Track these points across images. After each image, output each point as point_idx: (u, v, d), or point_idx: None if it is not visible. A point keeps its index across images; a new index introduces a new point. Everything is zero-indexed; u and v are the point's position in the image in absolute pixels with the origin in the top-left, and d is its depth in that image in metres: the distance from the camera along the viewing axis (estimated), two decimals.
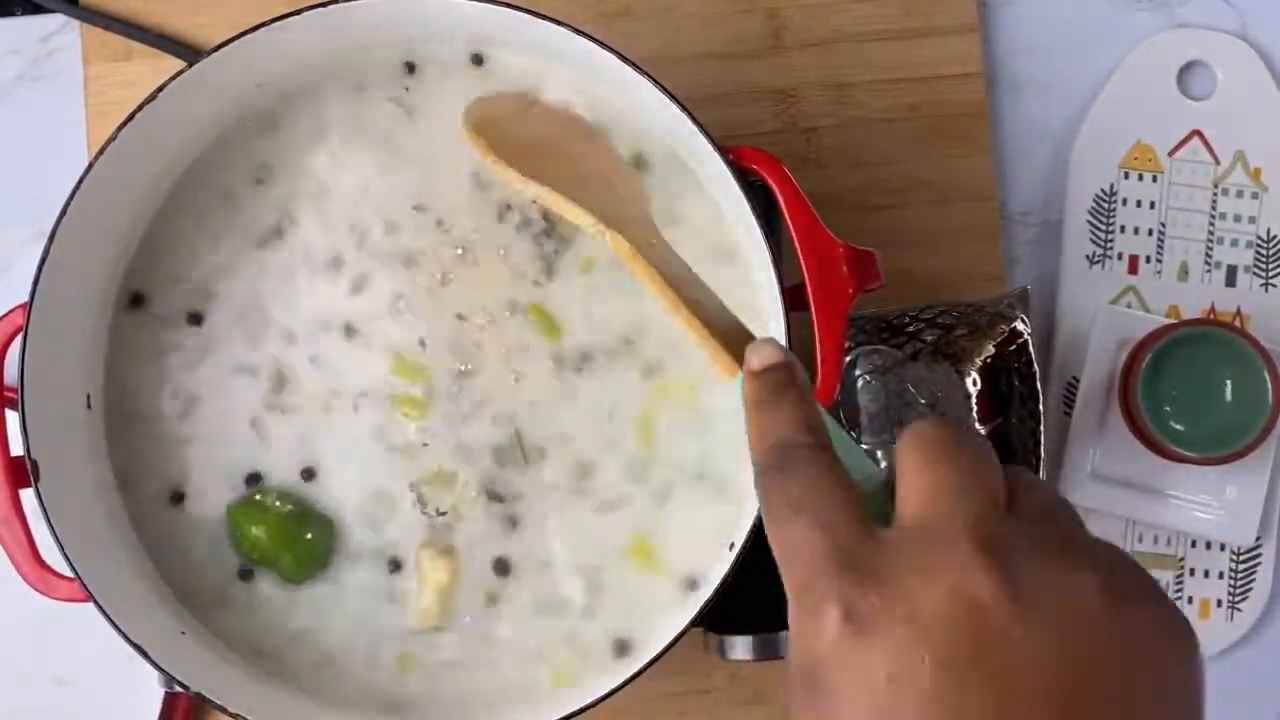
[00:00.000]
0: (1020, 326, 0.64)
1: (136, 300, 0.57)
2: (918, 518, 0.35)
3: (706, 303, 0.46)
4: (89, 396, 0.56)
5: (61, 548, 0.51)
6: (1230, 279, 0.69)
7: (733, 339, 0.44)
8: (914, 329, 0.65)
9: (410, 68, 0.58)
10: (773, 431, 0.39)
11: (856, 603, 0.33)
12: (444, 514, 0.56)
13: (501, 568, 0.56)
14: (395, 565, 0.56)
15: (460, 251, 0.57)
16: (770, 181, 0.54)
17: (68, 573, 0.52)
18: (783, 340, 0.53)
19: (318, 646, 0.56)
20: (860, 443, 0.64)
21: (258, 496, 0.56)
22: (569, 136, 0.57)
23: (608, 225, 0.50)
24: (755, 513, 0.52)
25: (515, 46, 0.57)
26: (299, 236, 0.58)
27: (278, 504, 0.56)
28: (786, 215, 0.53)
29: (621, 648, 0.56)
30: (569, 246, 0.57)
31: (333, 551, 0.56)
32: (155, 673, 0.52)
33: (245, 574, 0.56)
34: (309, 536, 0.56)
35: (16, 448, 0.53)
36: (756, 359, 0.41)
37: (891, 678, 0.32)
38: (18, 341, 0.53)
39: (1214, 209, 0.69)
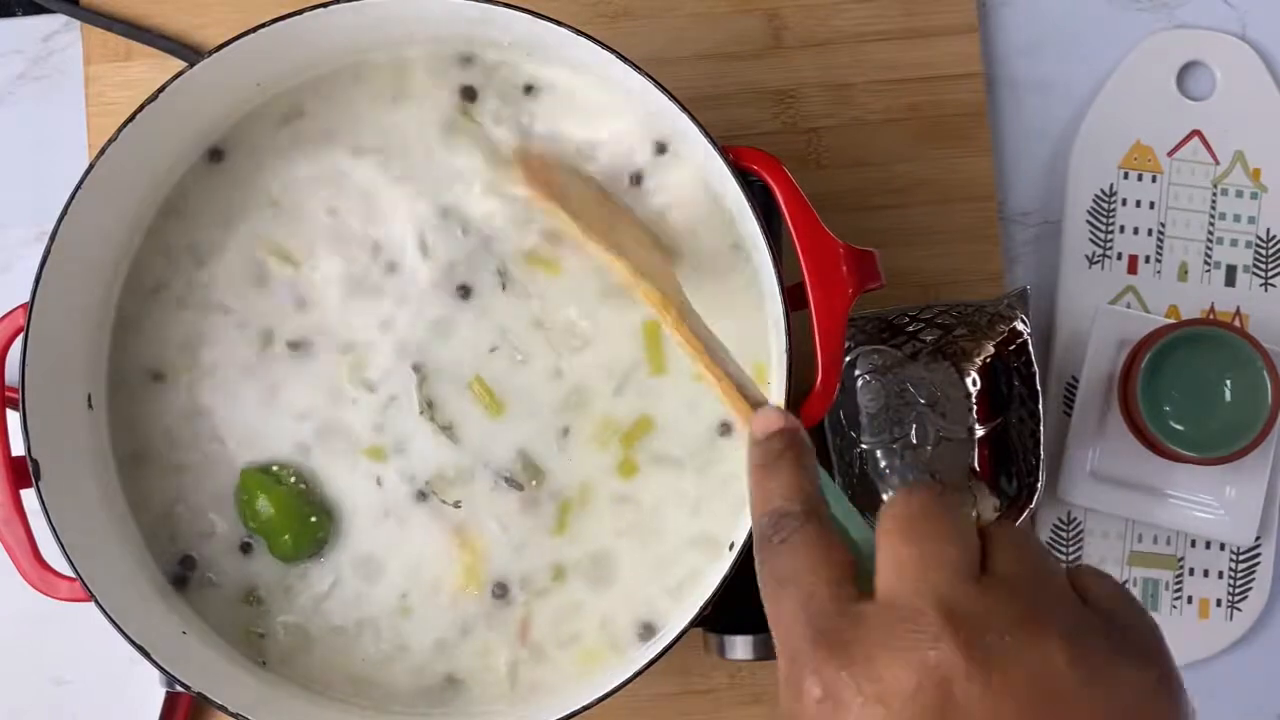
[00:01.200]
0: (1020, 326, 0.64)
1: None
2: (887, 592, 0.35)
3: (729, 364, 0.47)
4: (90, 396, 0.56)
5: (63, 547, 0.51)
6: (1230, 279, 0.69)
7: (749, 398, 0.46)
8: (914, 329, 0.65)
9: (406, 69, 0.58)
10: (769, 499, 0.39)
11: (830, 680, 0.34)
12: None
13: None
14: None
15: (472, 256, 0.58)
16: (770, 181, 0.54)
17: (69, 572, 0.52)
18: (783, 339, 0.53)
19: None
20: (860, 442, 0.64)
21: (274, 468, 0.57)
22: (604, 202, 0.56)
23: (664, 305, 0.50)
24: None
25: (513, 47, 0.57)
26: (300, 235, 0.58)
27: (292, 479, 0.56)
28: (786, 215, 0.53)
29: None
30: None
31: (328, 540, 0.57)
32: (155, 672, 0.52)
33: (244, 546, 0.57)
34: (313, 519, 0.56)
35: (18, 447, 0.53)
36: (759, 426, 0.42)
37: None
38: (19, 341, 0.53)
39: (1213, 209, 0.69)
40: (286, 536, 0.56)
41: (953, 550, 0.36)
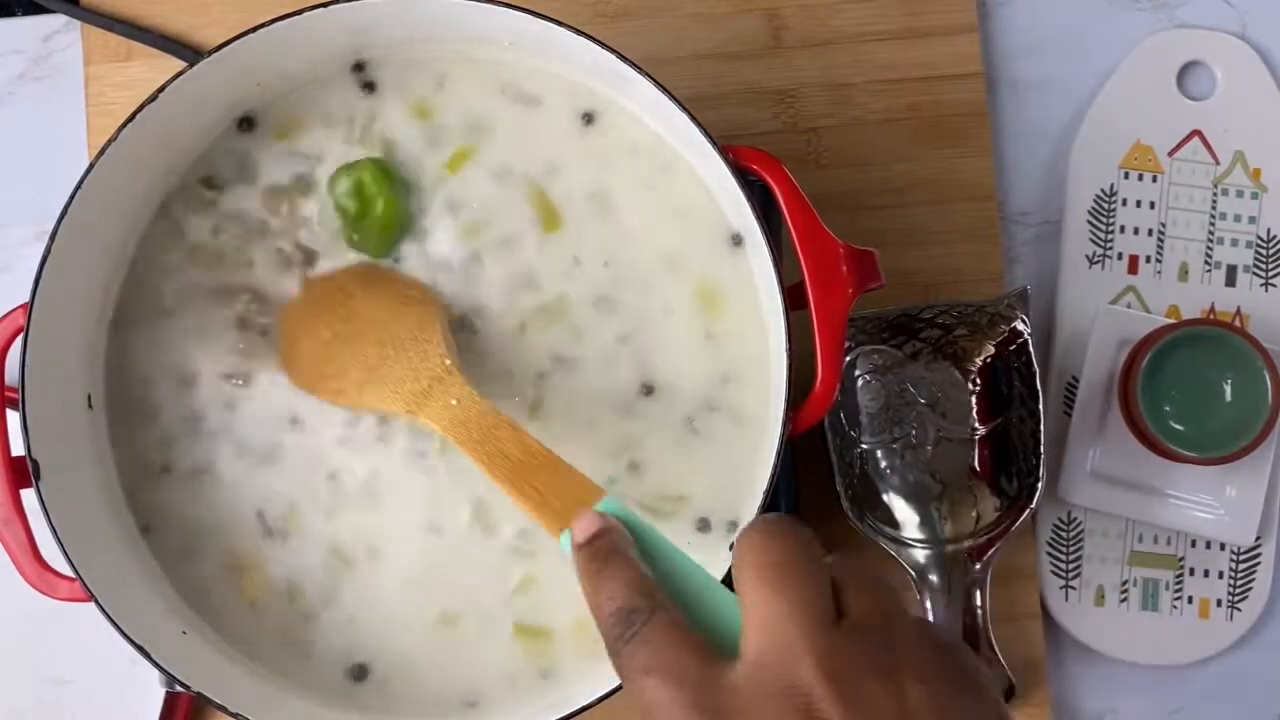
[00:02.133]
0: (1020, 326, 0.64)
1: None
2: (757, 652, 0.37)
3: (527, 456, 0.48)
4: (90, 396, 0.56)
5: (63, 547, 0.51)
6: (1230, 279, 0.69)
7: (566, 489, 0.46)
8: (914, 329, 0.65)
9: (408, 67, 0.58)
10: (610, 601, 0.40)
11: None
12: None
13: None
14: None
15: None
16: (770, 181, 0.54)
17: (69, 572, 0.52)
18: (783, 339, 0.53)
19: None
20: (860, 442, 0.64)
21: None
22: (365, 299, 0.56)
23: (417, 403, 0.52)
24: (755, 513, 0.52)
25: (514, 47, 0.57)
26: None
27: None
28: (786, 215, 0.54)
29: None
30: None
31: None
32: (155, 672, 0.52)
33: None
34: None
35: (18, 447, 0.53)
36: (579, 531, 0.43)
37: None
38: (19, 341, 0.53)
39: (1214, 209, 0.69)
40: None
41: (815, 599, 0.37)
